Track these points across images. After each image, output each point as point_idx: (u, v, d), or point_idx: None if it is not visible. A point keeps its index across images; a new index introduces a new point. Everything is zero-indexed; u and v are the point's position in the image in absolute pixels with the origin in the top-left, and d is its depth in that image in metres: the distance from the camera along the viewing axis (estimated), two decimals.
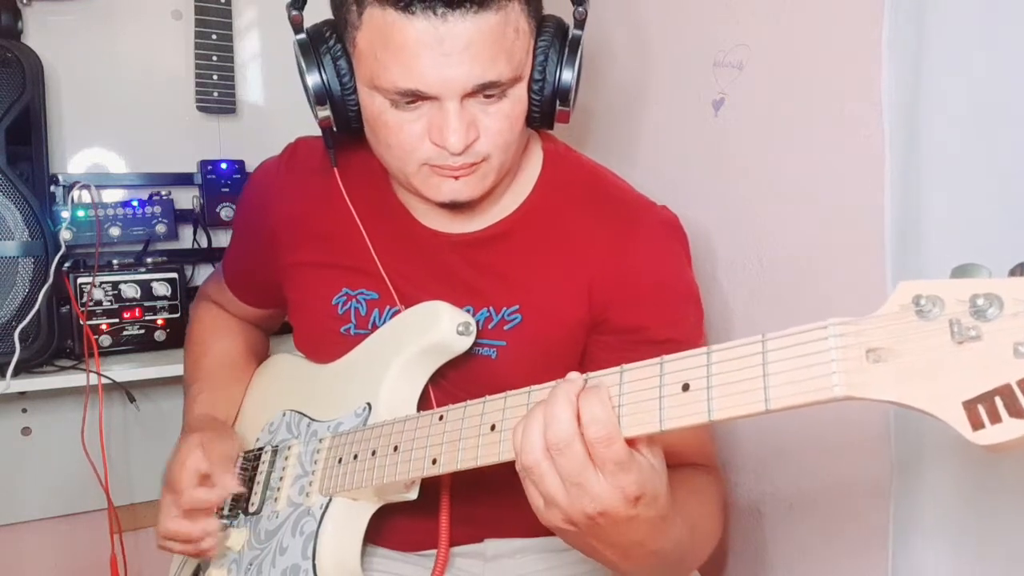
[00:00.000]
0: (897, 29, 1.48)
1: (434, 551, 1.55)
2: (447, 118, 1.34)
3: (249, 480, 1.63)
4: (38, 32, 2.57)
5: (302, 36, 1.46)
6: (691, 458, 1.52)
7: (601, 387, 1.05)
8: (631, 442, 1.05)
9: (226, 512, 1.62)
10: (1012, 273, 0.77)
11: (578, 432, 1.03)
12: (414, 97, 1.35)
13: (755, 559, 1.92)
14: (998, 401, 0.74)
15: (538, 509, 1.11)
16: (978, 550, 1.42)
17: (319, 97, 1.46)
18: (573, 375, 1.10)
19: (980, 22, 1.34)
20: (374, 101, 1.40)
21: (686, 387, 0.99)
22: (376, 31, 1.32)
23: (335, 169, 1.65)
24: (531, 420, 1.06)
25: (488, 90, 1.36)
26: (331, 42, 1.43)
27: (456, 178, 1.43)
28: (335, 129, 1.52)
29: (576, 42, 1.46)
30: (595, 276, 1.53)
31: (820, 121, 1.69)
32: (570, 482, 1.04)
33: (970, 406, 0.75)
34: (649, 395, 1.03)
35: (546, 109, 1.47)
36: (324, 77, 1.45)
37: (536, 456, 1.05)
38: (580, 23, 1.46)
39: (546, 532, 1.61)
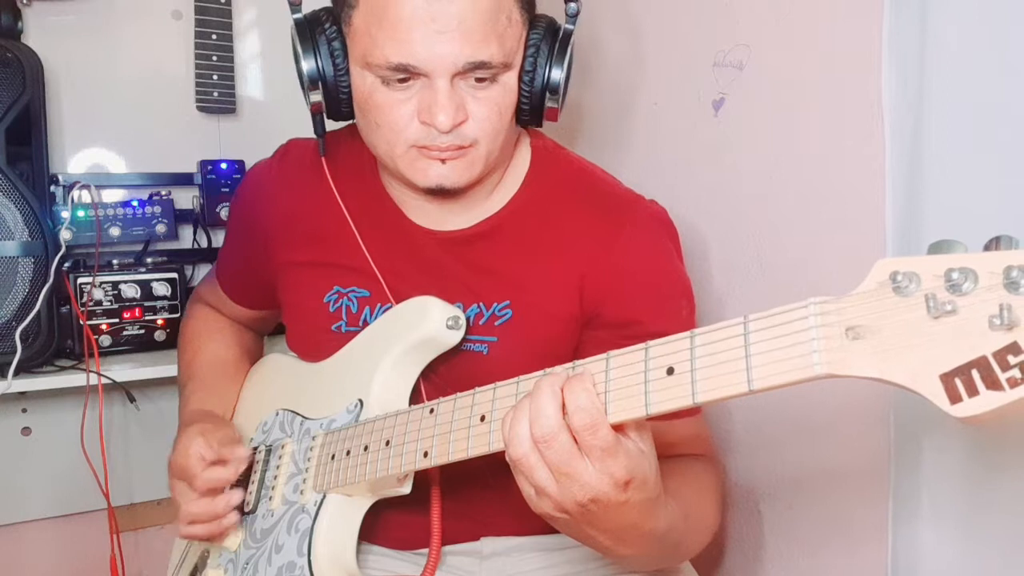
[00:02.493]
0: (897, 29, 1.48)
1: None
2: (436, 96, 1.37)
3: (244, 480, 1.63)
4: (38, 32, 2.57)
5: (299, 16, 1.49)
6: (686, 448, 1.53)
7: (584, 374, 1.07)
8: (619, 427, 1.06)
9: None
10: (987, 247, 0.78)
11: (563, 424, 1.05)
12: (405, 73, 1.37)
13: (754, 548, 1.92)
14: (975, 373, 0.74)
15: (530, 499, 1.13)
16: (978, 535, 1.42)
17: (312, 78, 1.48)
18: (557, 368, 1.13)
19: (980, 22, 1.34)
20: (365, 80, 1.42)
21: (671, 371, 1.00)
22: (371, 8, 1.36)
23: (324, 165, 1.67)
24: (518, 413, 1.08)
25: (478, 71, 1.38)
26: (326, 24, 1.46)
27: (443, 161, 1.44)
28: (325, 114, 1.54)
29: (567, 37, 1.48)
30: (586, 271, 1.54)
31: (820, 121, 1.69)
32: (559, 472, 1.06)
33: (947, 379, 0.76)
34: (634, 380, 1.04)
35: (536, 103, 1.48)
36: (318, 60, 1.47)
37: (524, 449, 1.07)
38: (572, 19, 1.48)
39: (543, 530, 1.64)
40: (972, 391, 0.74)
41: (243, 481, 1.62)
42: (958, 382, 0.75)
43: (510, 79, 1.44)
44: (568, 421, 1.05)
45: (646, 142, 2.22)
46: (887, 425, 1.55)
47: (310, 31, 1.47)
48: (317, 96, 1.50)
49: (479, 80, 1.40)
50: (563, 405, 1.06)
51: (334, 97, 1.49)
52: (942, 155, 1.41)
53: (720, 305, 1.94)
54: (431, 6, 1.31)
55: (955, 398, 0.75)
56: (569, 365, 1.12)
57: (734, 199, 1.92)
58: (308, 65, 1.47)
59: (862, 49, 1.57)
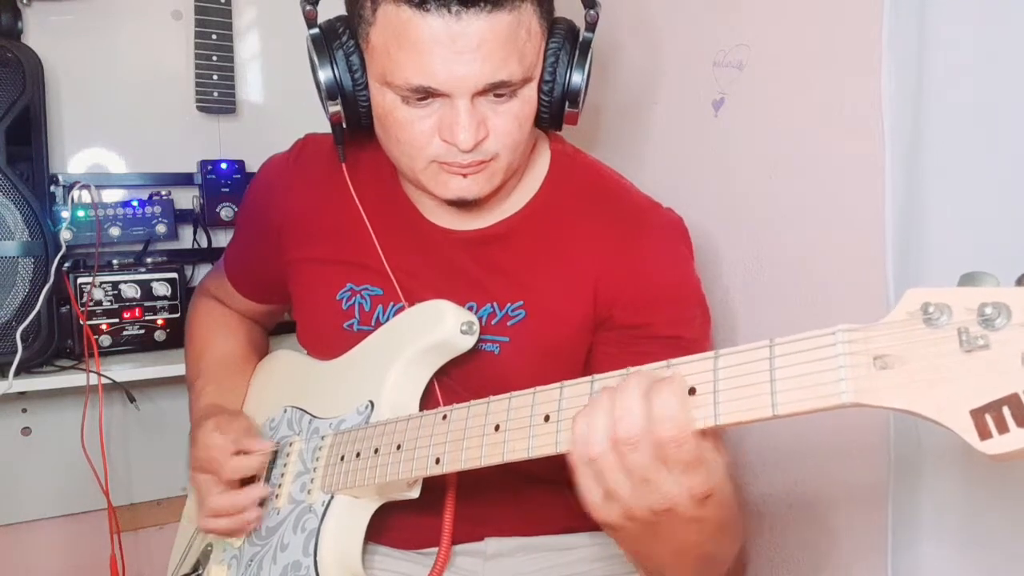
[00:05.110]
0: (897, 29, 1.48)
1: (434, 549, 1.55)
2: (458, 115, 1.35)
3: (250, 477, 1.63)
4: (38, 32, 2.56)
5: (315, 31, 1.47)
6: None
7: (675, 378, 1.01)
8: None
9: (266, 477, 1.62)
10: (1019, 282, 0.77)
11: (651, 427, 0.98)
12: (425, 94, 1.36)
13: (756, 561, 1.93)
14: (1005, 410, 0.74)
15: (593, 503, 1.07)
16: (977, 551, 1.43)
17: (330, 92, 1.47)
18: (643, 368, 1.06)
19: (980, 22, 1.35)
20: (385, 97, 1.41)
21: (692, 391, 0.99)
22: (390, 28, 1.34)
23: (343, 165, 1.65)
24: (596, 410, 1.02)
25: (499, 89, 1.37)
26: (344, 37, 1.44)
27: (464, 175, 1.44)
28: (345, 125, 1.53)
29: (587, 45, 1.47)
30: (601, 275, 1.54)
31: (820, 121, 1.70)
32: (638, 478, 1.01)
33: (977, 415, 0.76)
34: None
35: (555, 110, 1.47)
36: (336, 72, 1.45)
37: (602, 448, 1.01)
38: (591, 26, 1.47)
39: (546, 531, 1.64)
40: (1003, 428, 0.74)
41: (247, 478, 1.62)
42: (988, 418, 0.75)
43: (530, 91, 1.42)
44: (652, 429, 0.98)
45: (646, 142, 2.22)
46: (887, 442, 1.56)
47: (327, 45, 1.45)
48: (336, 107, 1.49)
49: (498, 95, 1.38)
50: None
51: (353, 111, 1.48)
52: (941, 155, 1.42)
53: (721, 305, 1.94)
54: (450, 27, 1.29)
55: (985, 434, 0.75)
56: (655, 367, 1.05)
57: (734, 199, 1.92)
58: (326, 80, 1.46)
59: (862, 49, 1.57)
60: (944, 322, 0.79)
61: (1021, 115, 1.31)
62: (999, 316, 0.75)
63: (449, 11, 1.28)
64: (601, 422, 1.01)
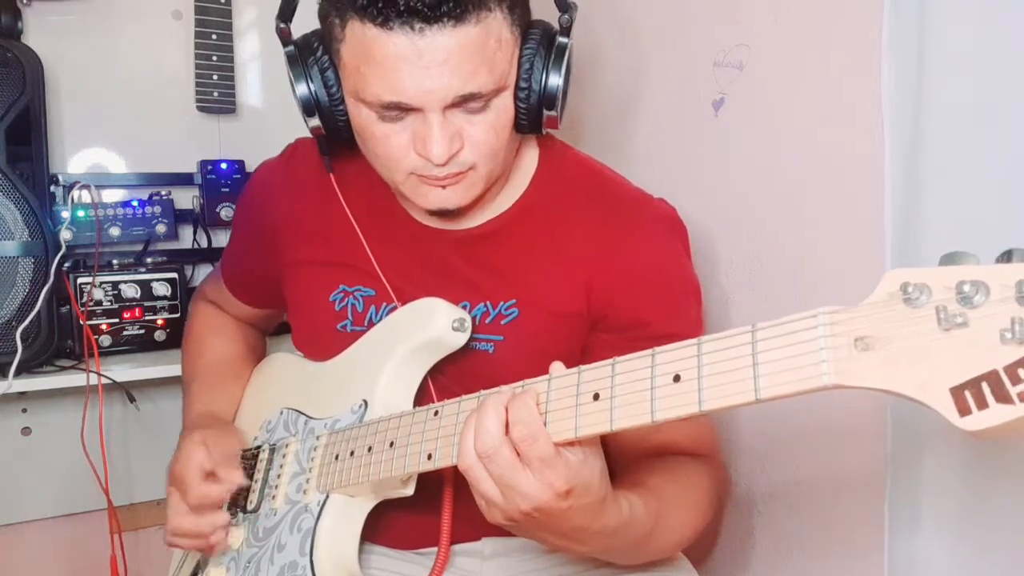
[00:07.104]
0: (897, 29, 1.48)
1: (432, 549, 1.55)
2: (430, 130, 1.35)
3: (247, 478, 1.63)
4: (38, 32, 2.57)
5: (290, 49, 1.48)
6: (686, 448, 1.53)
7: (528, 392, 1.14)
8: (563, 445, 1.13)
9: (226, 508, 1.61)
10: (999, 260, 0.77)
11: (505, 439, 1.12)
12: (398, 109, 1.36)
13: (751, 551, 1.92)
14: (984, 387, 0.74)
15: (481, 508, 1.20)
16: (974, 543, 1.42)
17: (307, 109, 1.48)
18: (504, 388, 1.19)
19: (980, 22, 1.34)
20: (360, 112, 1.41)
21: (677, 378, 1.00)
22: (358, 45, 1.34)
23: (333, 180, 1.66)
24: (466, 427, 1.16)
25: (470, 102, 1.36)
26: (319, 53, 1.45)
27: (443, 187, 1.44)
28: (327, 140, 1.55)
29: (562, 49, 1.45)
30: (594, 271, 1.53)
31: (820, 121, 1.69)
32: (502, 484, 1.13)
33: (957, 392, 0.75)
34: (641, 386, 1.04)
35: (533, 116, 1.46)
36: (312, 88, 1.46)
37: (470, 461, 1.15)
38: (566, 30, 1.45)
39: None
40: (982, 404, 0.74)
41: (236, 496, 1.63)
42: (968, 395, 0.74)
43: (505, 100, 1.41)
44: (509, 434, 1.11)
45: (646, 143, 2.21)
46: (884, 433, 1.56)
47: (302, 61, 1.47)
48: (315, 121, 1.50)
49: (471, 107, 1.37)
50: (507, 421, 1.12)
51: (332, 126, 1.49)
52: (941, 155, 1.41)
53: (721, 305, 1.94)
54: (415, 43, 1.28)
55: (964, 411, 0.75)
56: (512, 388, 1.19)
57: (734, 199, 1.92)
58: (302, 95, 1.47)
59: (862, 49, 1.56)
60: (923, 301, 0.79)
61: (1021, 115, 1.30)
62: (977, 293, 0.75)
63: (412, 28, 1.28)
64: (468, 439, 1.15)
